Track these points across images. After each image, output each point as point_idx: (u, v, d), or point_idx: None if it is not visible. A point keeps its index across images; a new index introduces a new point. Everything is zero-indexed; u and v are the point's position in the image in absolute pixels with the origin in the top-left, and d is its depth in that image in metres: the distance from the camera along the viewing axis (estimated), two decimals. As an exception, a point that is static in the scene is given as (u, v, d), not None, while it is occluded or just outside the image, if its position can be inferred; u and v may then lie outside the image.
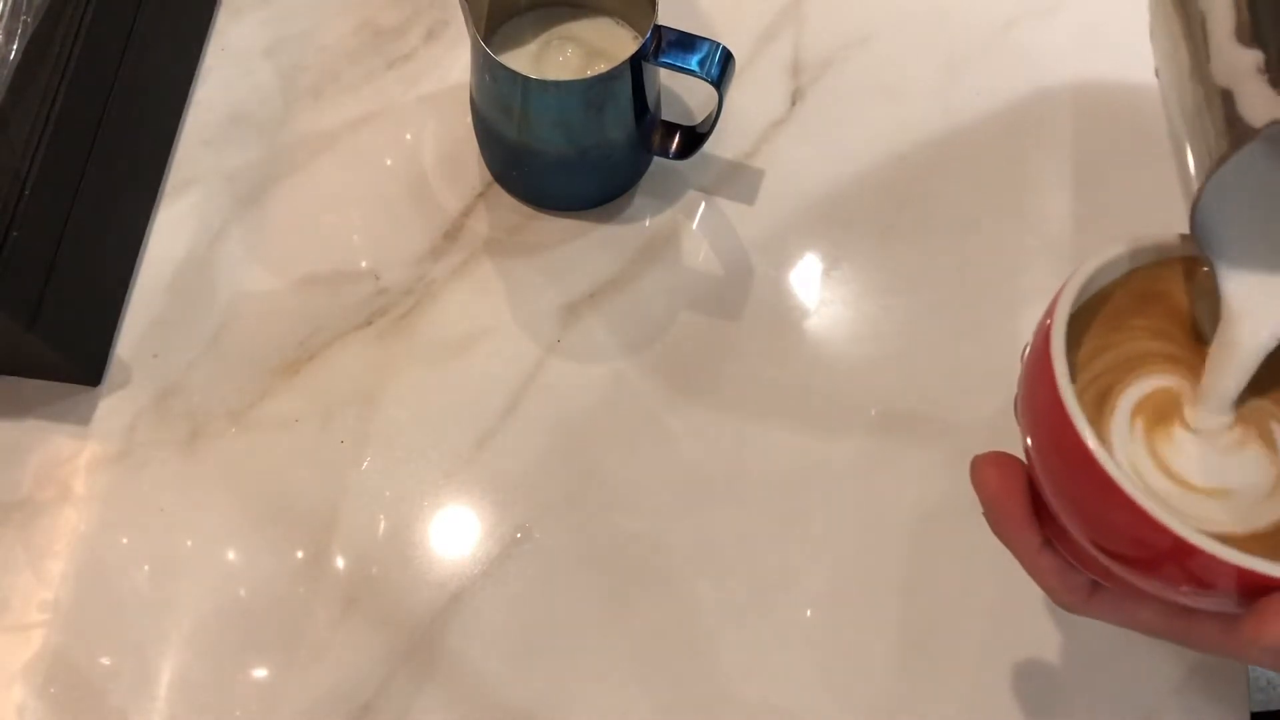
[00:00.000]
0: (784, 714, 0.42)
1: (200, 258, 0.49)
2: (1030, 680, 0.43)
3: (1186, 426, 0.29)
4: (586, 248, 0.50)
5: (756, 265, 0.50)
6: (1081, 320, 0.30)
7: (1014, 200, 0.51)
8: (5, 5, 0.41)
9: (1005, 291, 0.49)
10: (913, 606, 0.44)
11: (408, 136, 0.52)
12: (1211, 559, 0.25)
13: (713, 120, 0.47)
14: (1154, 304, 0.31)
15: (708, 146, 0.49)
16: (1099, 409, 0.29)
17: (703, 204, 0.51)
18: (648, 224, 0.50)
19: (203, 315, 0.48)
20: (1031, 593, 0.44)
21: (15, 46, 0.41)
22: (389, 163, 0.51)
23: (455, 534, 0.45)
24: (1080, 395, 0.28)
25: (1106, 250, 0.30)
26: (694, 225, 0.50)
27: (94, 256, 0.46)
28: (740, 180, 0.51)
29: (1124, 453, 0.29)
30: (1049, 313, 0.29)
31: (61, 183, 0.43)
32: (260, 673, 0.43)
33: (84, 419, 0.46)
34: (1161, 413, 0.29)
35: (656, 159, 0.51)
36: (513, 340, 0.48)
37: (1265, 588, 0.26)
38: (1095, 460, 0.26)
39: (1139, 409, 0.29)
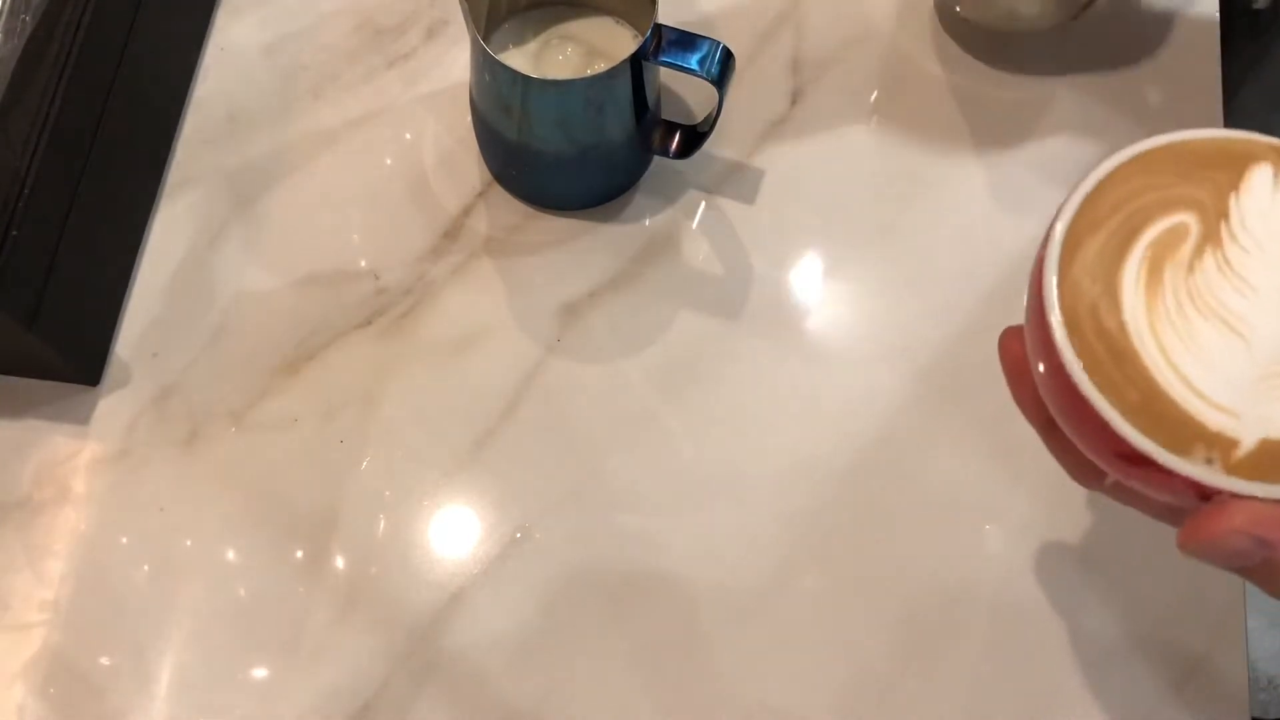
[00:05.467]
0: (783, 714, 0.42)
1: (200, 257, 0.49)
2: (1030, 680, 0.43)
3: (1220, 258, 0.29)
4: (586, 248, 0.50)
5: (756, 265, 0.50)
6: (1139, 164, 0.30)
7: (1015, 199, 0.51)
8: (4, 4, 0.41)
9: (1006, 291, 0.49)
10: (912, 607, 0.44)
11: (408, 136, 0.52)
12: (1167, 471, 0.26)
13: (713, 120, 0.47)
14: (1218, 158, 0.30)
15: (708, 146, 0.49)
16: (1124, 246, 0.29)
17: (703, 204, 0.51)
18: (648, 224, 0.50)
19: (202, 315, 0.48)
20: (1031, 593, 0.44)
21: (15, 45, 0.41)
22: (389, 162, 0.51)
23: (455, 534, 0.45)
24: (1108, 239, 0.28)
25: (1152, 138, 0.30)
26: (694, 225, 0.50)
27: (93, 256, 0.46)
28: (740, 180, 0.51)
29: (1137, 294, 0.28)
30: (1058, 214, 0.29)
31: (61, 182, 0.43)
32: (260, 672, 0.43)
33: (83, 419, 0.46)
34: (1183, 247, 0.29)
35: (656, 159, 0.51)
36: (513, 340, 0.48)
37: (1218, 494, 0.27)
38: (1064, 365, 0.27)
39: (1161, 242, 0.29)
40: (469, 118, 0.50)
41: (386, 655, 0.43)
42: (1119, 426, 0.27)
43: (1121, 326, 0.28)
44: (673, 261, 0.49)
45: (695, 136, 0.49)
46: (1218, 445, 0.27)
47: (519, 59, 0.47)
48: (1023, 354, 0.31)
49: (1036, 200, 0.51)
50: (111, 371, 0.47)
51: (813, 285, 0.49)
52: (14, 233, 0.40)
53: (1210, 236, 0.29)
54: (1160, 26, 0.54)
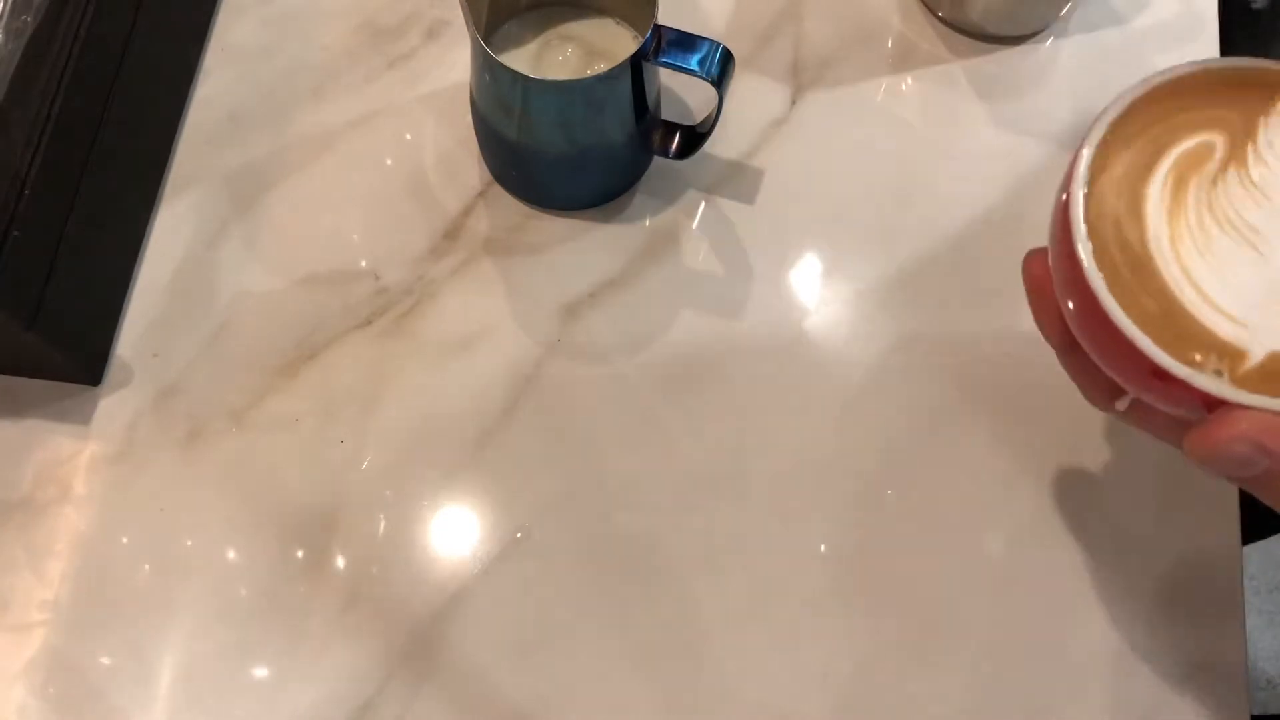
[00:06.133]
0: (783, 714, 0.42)
1: (200, 257, 0.49)
2: (1030, 680, 0.43)
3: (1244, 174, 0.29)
4: (586, 247, 0.50)
5: (756, 265, 0.50)
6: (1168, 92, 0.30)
7: (1017, 199, 0.51)
8: (6, 4, 0.41)
9: (1007, 291, 0.49)
10: (912, 607, 0.44)
11: (408, 136, 0.52)
12: (1178, 381, 0.27)
13: (713, 120, 0.47)
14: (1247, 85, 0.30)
15: (708, 146, 0.49)
16: (1152, 160, 0.29)
17: (703, 204, 0.51)
18: (648, 224, 0.50)
19: (203, 315, 0.48)
20: (1031, 593, 0.44)
21: (16, 46, 0.41)
22: (389, 162, 0.51)
23: (455, 534, 0.45)
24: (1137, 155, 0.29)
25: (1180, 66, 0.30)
26: (694, 225, 0.50)
27: (94, 256, 0.46)
28: (740, 180, 0.51)
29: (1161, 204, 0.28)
30: (1083, 140, 0.30)
31: (62, 182, 0.43)
32: (260, 672, 0.43)
33: (84, 419, 0.46)
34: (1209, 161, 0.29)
35: (656, 159, 0.51)
36: (513, 340, 0.48)
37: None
38: (1085, 276, 0.28)
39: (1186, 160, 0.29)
40: (469, 118, 0.50)
41: (386, 655, 0.43)
42: (1132, 335, 0.27)
43: (1143, 239, 0.28)
44: (673, 261, 0.50)
45: (695, 137, 0.49)
46: (1227, 356, 0.27)
47: (519, 59, 0.47)
48: (1045, 275, 0.31)
49: (1038, 200, 0.51)
50: (112, 371, 0.47)
51: (813, 285, 0.49)
52: (15, 233, 0.40)
53: (1236, 154, 0.29)
54: (1160, 27, 0.54)
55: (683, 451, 0.46)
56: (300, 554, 0.44)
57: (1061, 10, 0.54)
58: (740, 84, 0.53)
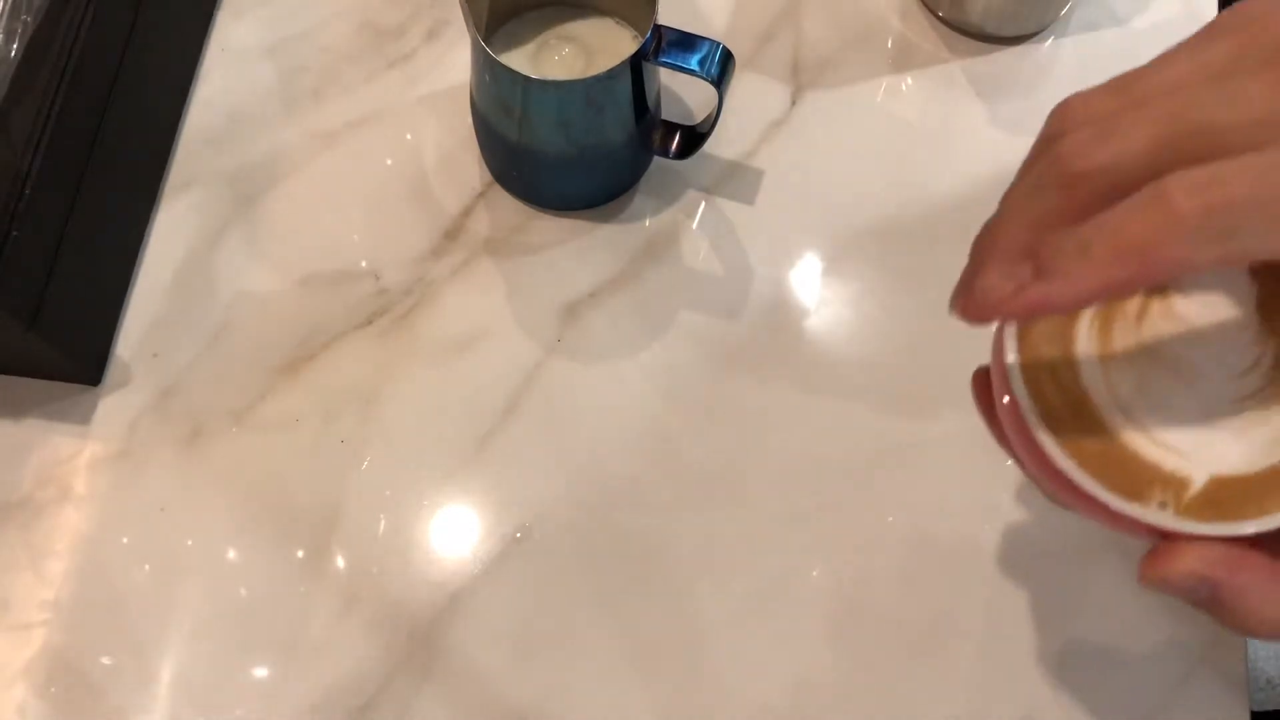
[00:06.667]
0: (783, 714, 0.42)
1: (201, 257, 0.49)
2: (1030, 681, 0.43)
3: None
4: (586, 248, 0.50)
5: (756, 265, 0.50)
6: None
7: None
8: (5, 5, 0.41)
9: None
10: (913, 607, 0.44)
11: (408, 136, 0.52)
12: (1133, 520, 0.28)
13: (713, 120, 0.47)
14: None
15: (708, 146, 0.49)
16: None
17: (703, 204, 0.51)
18: (648, 224, 0.50)
19: (203, 314, 0.48)
20: (1031, 592, 0.44)
21: (15, 46, 0.41)
22: (389, 163, 0.51)
23: (455, 534, 0.45)
24: None
25: None
26: (694, 225, 0.50)
27: (94, 256, 0.47)
28: (740, 180, 0.51)
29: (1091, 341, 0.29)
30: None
31: (62, 182, 0.44)
32: (261, 672, 0.43)
33: (84, 418, 0.46)
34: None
35: (656, 159, 0.51)
36: (513, 340, 0.48)
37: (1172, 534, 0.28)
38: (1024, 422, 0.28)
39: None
40: (469, 118, 0.50)
41: (387, 654, 0.43)
42: (1079, 479, 0.28)
43: (1078, 381, 0.29)
44: (673, 261, 0.50)
45: (695, 137, 0.49)
46: (1171, 487, 0.28)
47: (519, 60, 0.47)
48: (984, 396, 0.32)
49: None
50: (112, 371, 0.47)
51: (813, 285, 0.49)
52: (15, 233, 0.40)
53: (1156, 287, 0.30)
54: (1160, 27, 0.54)
55: (683, 451, 0.46)
56: (300, 554, 0.44)
57: (1061, 10, 0.54)
58: (740, 84, 0.53)
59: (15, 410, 0.46)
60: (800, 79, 0.53)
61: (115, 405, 0.46)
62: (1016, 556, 0.44)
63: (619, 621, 0.43)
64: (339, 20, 0.54)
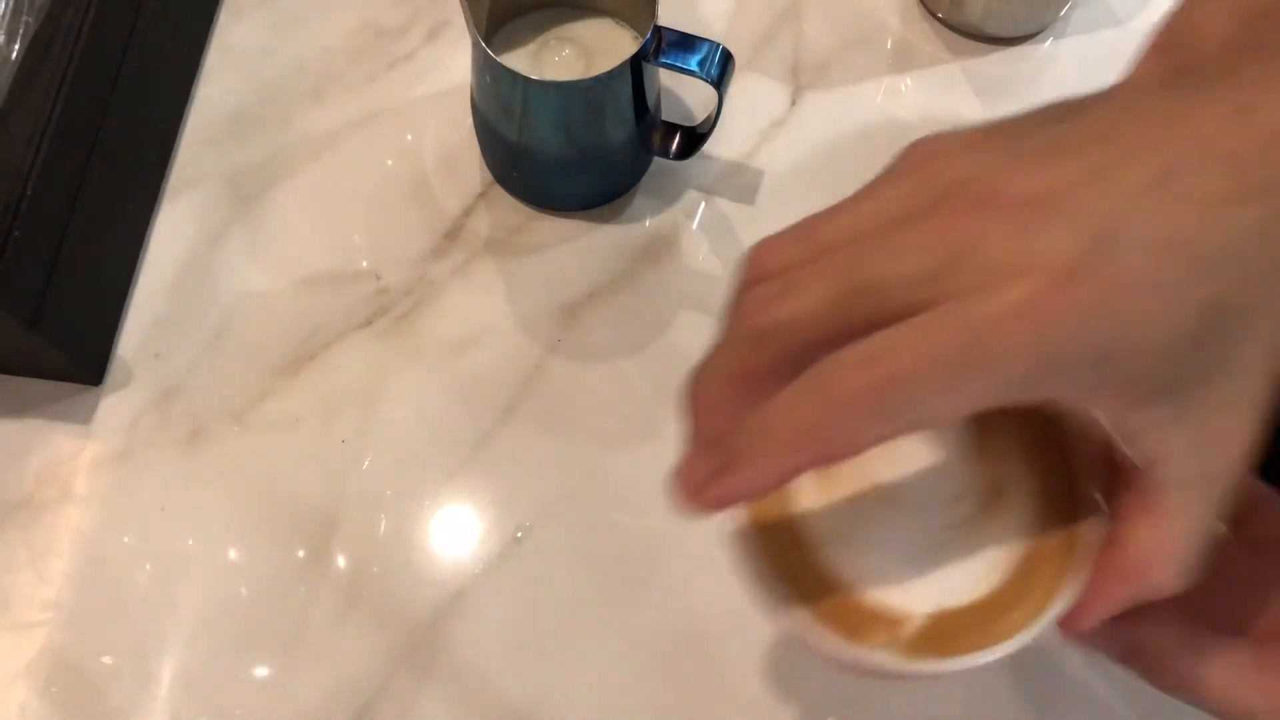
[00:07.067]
0: (784, 714, 0.42)
1: (201, 257, 0.49)
2: (1030, 681, 0.43)
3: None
4: (586, 248, 0.50)
5: (756, 265, 0.50)
6: None
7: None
8: (7, 5, 0.41)
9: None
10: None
11: (408, 137, 0.52)
12: (861, 664, 0.27)
13: (713, 120, 0.47)
14: None
15: (708, 146, 0.49)
16: None
17: (703, 204, 0.51)
18: (648, 224, 0.50)
19: (204, 315, 0.48)
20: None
21: (17, 46, 0.41)
22: (390, 163, 0.51)
23: (455, 533, 0.45)
24: None
25: None
26: (694, 225, 0.50)
27: (96, 256, 0.47)
28: (740, 180, 0.51)
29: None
30: None
31: (63, 182, 0.44)
32: (261, 671, 0.43)
33: (85, 418, 0.46)
34: None
35: (656, 159, 0.51)
36: (513, 340, 0.48)
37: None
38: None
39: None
40: (470, 119, 0.50)
41: (387, 654, 0.43)
42: (802, 629, 0.28)
43: (796, 518, 0.29)
44: (673, 261, 0.50)
45: (695, 137, 0.49)
46: (894, 626, 0.27)
47: (519, 60, 0.47)
48: None
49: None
50: (113, 371, 0.47)
51: (812, 285, 0.49)
52: (16, 233, 0.41)
53: None
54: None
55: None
56: (301, 554, 0.44)
57: (1061, 11, 0.54)
58: (740, 84, 0.53)
59: (16, 410, 0.46)
60: (800, 79, 0.54)
61: (116, 405, 0.47)
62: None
63: (619, 621, 0.43)
64: (340, 21, 0.54)
